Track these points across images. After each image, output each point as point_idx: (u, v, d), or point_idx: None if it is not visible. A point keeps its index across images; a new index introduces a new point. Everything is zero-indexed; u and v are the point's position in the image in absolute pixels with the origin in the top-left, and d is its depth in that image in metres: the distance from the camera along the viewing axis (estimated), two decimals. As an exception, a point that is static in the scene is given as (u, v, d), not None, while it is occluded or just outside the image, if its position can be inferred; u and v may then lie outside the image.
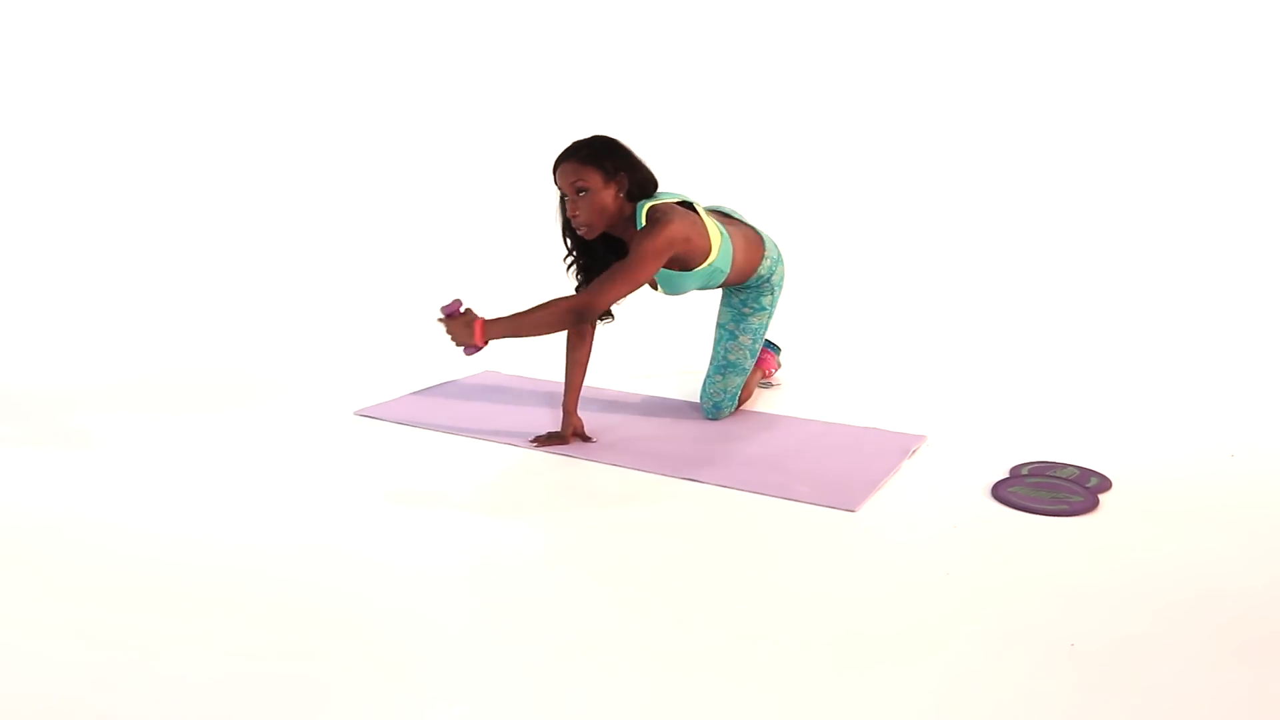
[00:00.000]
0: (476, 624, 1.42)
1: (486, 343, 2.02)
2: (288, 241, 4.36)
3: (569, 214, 2.12)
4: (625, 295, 2.09)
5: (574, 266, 2.27)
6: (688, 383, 2.77)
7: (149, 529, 1.74)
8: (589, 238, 2.13)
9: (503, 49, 4.55)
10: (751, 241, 2.33)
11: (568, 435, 2.24)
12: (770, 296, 2.41)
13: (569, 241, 2.23)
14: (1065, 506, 1.85)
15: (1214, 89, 3.67)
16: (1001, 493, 1.92)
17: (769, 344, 2.81)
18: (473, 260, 4.17)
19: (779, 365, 2.84)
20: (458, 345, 2.04)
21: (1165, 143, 3.74)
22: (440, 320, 2.06)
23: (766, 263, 2.36)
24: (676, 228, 2.07)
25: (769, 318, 2.44)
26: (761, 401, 2.64)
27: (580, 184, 2.06)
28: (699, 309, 2.98)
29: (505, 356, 3.12)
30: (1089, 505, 1.86)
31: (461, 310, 2.05)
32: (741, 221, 2.39)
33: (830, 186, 4.15)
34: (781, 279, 2.44)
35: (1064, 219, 3.88)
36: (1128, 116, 3.79)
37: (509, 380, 2.85)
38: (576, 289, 2.27)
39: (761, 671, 1.28)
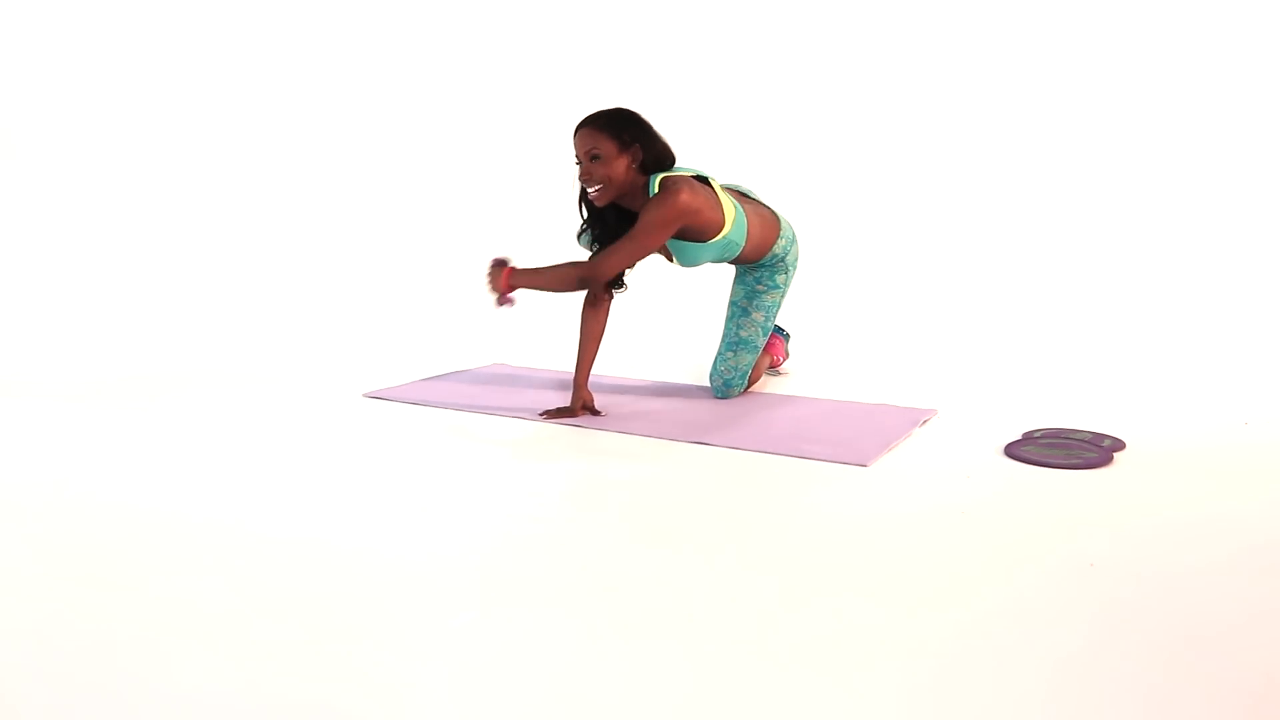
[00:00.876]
0: (492, 576, 1.39)
1: (512, 288, 2.20)
2: (296, 242, 4.38)
3: (581, 178, 2.15)
4: (631, 264, 2.16)
5: (587, 235, 2.29)
6: (696, 370, 2.77)
7: (167, 504, 1.72)
8: (599, 203, 2.16)
9: (516, 38, 4.58)
10: (767, 221, 2.36)
11: (576, 408, 2.24)
12: (785, 275, 2.43)
13: (583, 210, 2.25)
14: (1079, 461, 1.84)
15: (1216, 66, 3.68)
16: (1014, 451, 1.91)
17: (778, 330, 2.81)
18: (479, 251, 4.20)
19: (788, 355, 2.84)
20: (491, 291, 2.22)
21: (1175, 116, 3.71)
22: (488, 270, 2.24)
23: (782, 242, 2.39)
24: (685, 199, 2.10)
25: (782, 296, 2.46)
26: (770, 385, 2.64)
27: (594, 150, 2.10)
28: (706, 297, 2.99)
29: (514, 349, 3.13)
30: (1104, 460, 1.85)
31: (504, 261, 2.24)
32: (758, 201, 2.42)
33: (833, 175, 4.14)
34: (796, 259, 2.47)
35: (1070, 197, 3.85)
36: (1134, 94, 3.77)
37: (517, 371, 2.85)
38: (591, 258, 2.30)
39: (783, 614, 1.23)
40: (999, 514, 1.58)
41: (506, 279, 2.19)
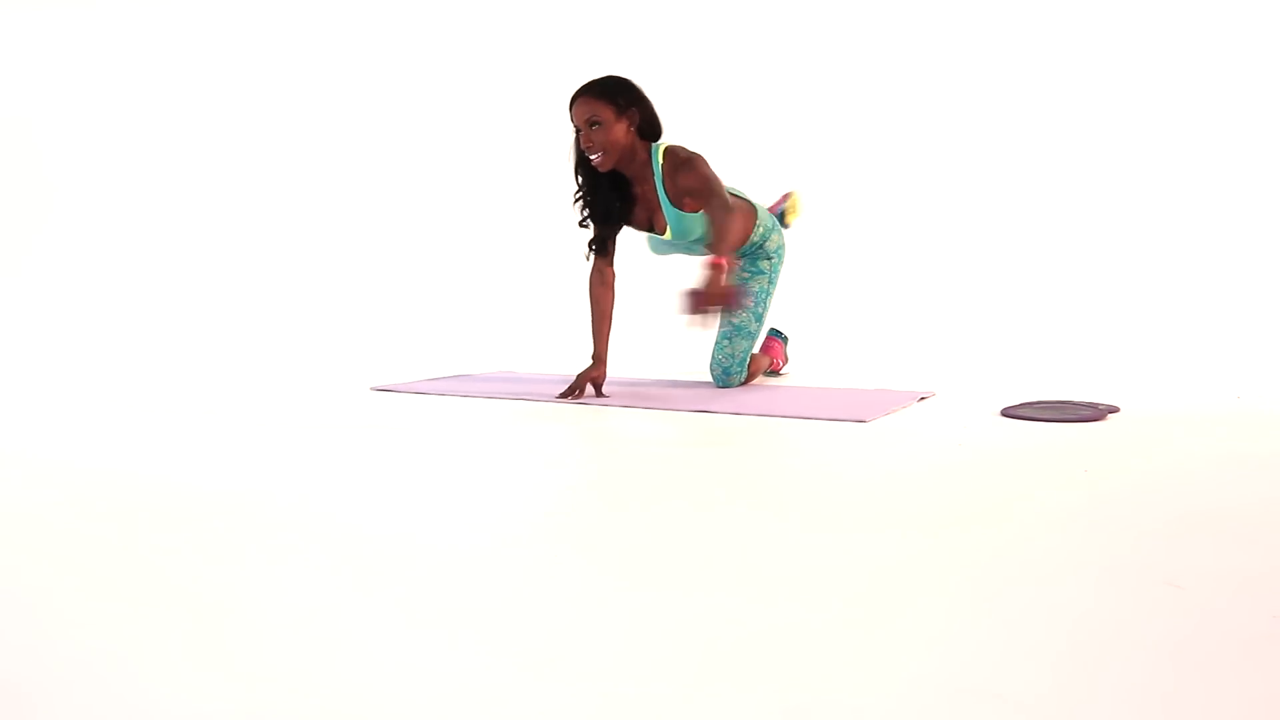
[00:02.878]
0: (511, 540, 1.37)
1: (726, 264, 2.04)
2: (308, 256, 4.46)
3: (583, 146, 2.23)
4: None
5: (581, 202, 2.36)
6: (697, 373, 2.81)
7: (193, 481, 1.73)
8: (603, 169, 2.24)
9: (519, 44, 4.73)
10: (745, 209, 2.45)
11: (585, 378, 2.28)
12: (768, 262, 2.50)
13: (580, 178, 2.33)
14: (1074, 416, 1.87)
15: (1190, 52, 3.77)
16: (1011, 411, 1.95)
17: (777, 333, 2.87)
18: (483, 256, 4.26)
19: (787, 359, 2.89)
20: (725, 307, 2.03)
21: (1164, 103, 3.80)
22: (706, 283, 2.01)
23: (760, 230, 2.47)
24: (704, 158, 2.24)
25: (769, 284, 2.52)
26: (769, 379, 2.69)
27: (593, 117, 2.19)
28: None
29: (520, 355, 3.18)
30: (1098, 417, 1.88)
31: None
32: (736, 193, 2.50)
33: (826, 175, 4.20)
34: (779, 249, 2.53)
35: (1062, 188, 3.92)
36: (1121, 84, 3.86)
37: (524, 375, 2.90)
38: (580, 224, 2.38)
39: (790, 555, 1.21)
40: (996, 456, 1.61)
41: (727, 270, 2.00)
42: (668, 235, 2.37)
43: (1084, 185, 3.92)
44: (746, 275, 2.50)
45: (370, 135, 4.77)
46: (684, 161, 2.24)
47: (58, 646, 0.83)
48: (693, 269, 2.58)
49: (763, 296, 2.50)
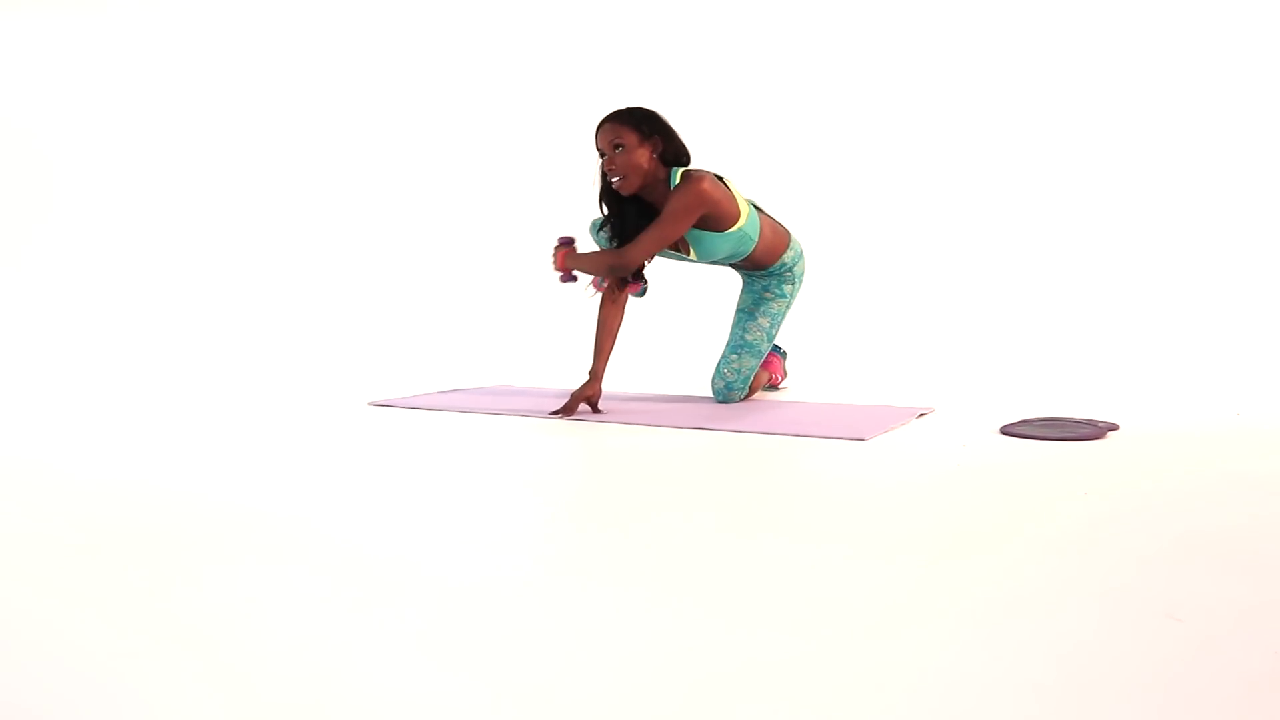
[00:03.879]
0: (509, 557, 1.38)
1: (566, 268, 2.36)
2: (303, 260, 4.46)
3: (606, 169, 2.26)
4: (658, 250, 2.29)
5: (608, 229, 2.39)
6: (696, 385, 2.81)
7: (186, 495, 1.71)
8: (624, 192, 2.26)
9: (519, 61, 4.73)
10: (778, 229, 2.48)
11: (581, 397, 2.28)
12: (792, 286, 2.53)
13: (605, 205, 2.36)
14: (1073, 435, 1.87)
15: (1197, 60, 3.76)
16: (1010, 429, 1.94)
17: (775, 348, 2.87)
18: (481, 268, 4.26)
19: (786, 374, 2.89)
20: (554, 269, 2.39)
21: (1164, 114, 3.80)
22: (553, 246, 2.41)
23: (791, 252, 2.50)
24: (708, 186, 2.22)
25: (788, 307, 2.54)
26: (768, 395, 2.68)
27: (618, 140, 2.22)
28: (706, 315, 3.05)
29: (518, 367, 3.17)
30: (1097, 435, 1.88)
31: (570, 240, 2.41)
32: (768, 213, 2.53)
33: (821, 186, 4.23)
34: (802, 273, 2.57)
35: (1061, 202, 3.92)
36: (1122, 94, 3.86)
37: (521, 389, 2.89)
38: (621, 248, 2.38)
39: (787, 575, 1.20)
40: (994, 476, 1.60)
41: (561, 259, 2.35)
42: (693, 256, 2.38)
43: (1083, 200, 3.92)
44: (769, 297, 2.51)
45: (369, 146, 4.78)
46: (681, 179, 2.25)
47: (44, 663, 0.82)
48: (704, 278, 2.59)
49: (778, 318, 2.51)
